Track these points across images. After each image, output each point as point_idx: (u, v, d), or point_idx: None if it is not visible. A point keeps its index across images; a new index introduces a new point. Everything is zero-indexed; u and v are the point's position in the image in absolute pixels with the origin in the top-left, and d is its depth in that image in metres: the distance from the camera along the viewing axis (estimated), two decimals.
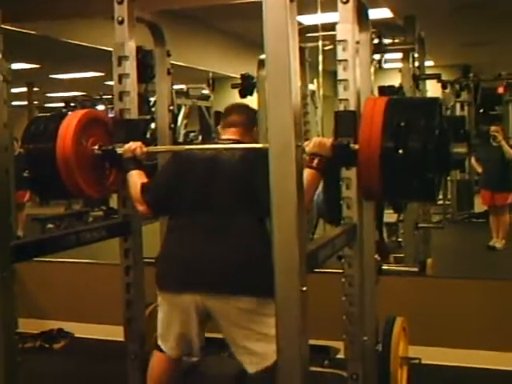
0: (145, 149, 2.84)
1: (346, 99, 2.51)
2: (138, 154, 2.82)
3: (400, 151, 2.23)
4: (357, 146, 2.34)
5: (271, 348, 2.50)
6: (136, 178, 2.81)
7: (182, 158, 2.85)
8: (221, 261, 2.63)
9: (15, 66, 6.74)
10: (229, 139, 2.83)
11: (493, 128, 7.17)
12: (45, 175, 2.77)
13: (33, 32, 5.62)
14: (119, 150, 2.84)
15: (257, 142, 2.89)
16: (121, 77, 2.93)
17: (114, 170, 2.97)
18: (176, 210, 2.79)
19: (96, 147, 2.84)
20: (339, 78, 2.54)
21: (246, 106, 3.06)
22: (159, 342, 2.80)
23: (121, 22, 2.91)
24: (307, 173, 2.34)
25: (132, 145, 2.82)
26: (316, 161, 2.44)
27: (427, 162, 2.26)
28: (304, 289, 1.86)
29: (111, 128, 2.96)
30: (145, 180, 2.81)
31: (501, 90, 8.77)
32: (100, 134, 2.90)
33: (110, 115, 8.69)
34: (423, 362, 3.14)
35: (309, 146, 2.45)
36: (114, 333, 3.55)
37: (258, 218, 2.66)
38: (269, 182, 2.30)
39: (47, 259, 3.12)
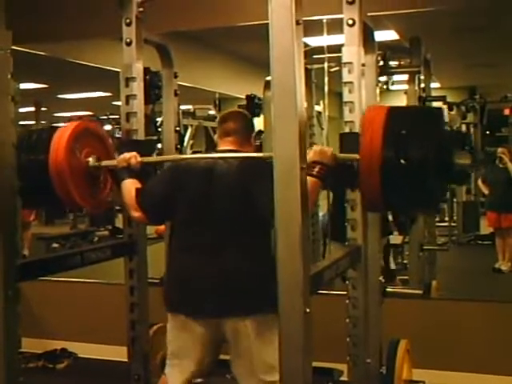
0: (139, 158, 2.80)
1: (352, 121, 2.52)
2: (132, 164, 2.78)
3: (401, 160, 2.22)
4: (358, 156, 2.32)
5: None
6: (130, 186, 2.75)
7: (179, 168, 2.79)
8: (227, 280, 2.56)
9: (23, 85, 6.79)
10: (226, 150, 2.75)
11: (499, 150, 7.18)
12: (37, 187, 2.73)
13: (41, 53, 5.68)
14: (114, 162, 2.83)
15: (256, 151, 2.87)
16: (128, 98, 2.96)
17: (108, 183, 2.95)
18: (175, 223, 2.74)
19: (90, 159, 2.81)
20: (345, 100, 2.55)
21: (242, 113, 2.97)
22: (168, 367, 2.73)
23: (129, 44, 2.94)
24: (308, 181, 2.33)
25: (126, 155, 2.79)
26: (317, 168, 2.40)
27: (429, 171, 2.24)
28: (308, 310, 1.86)
29: (118, 147, 2.98)
30: (139, 186, 2.76)
31: (507, 111, 8.78)
32: (94, 145, 2.88)
33: (117, 135, 8.73)
34: None
35: (309, 155, 2.41)
36: (118, 353, 3.54)
37: (261, 230, 2.60)
38: (270, 190, 2.34)
39: (51, 278, 3.11)
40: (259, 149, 6.24)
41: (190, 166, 2.75)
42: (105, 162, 2.85)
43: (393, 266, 5.00)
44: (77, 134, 2.78)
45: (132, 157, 2.78)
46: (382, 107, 2.45)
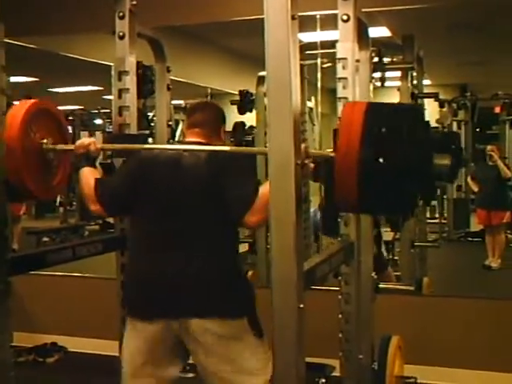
0: (99, 145, 2.69)
1: None
2: (91, 151, 2.66)
3: (379, 160, 2.11)
4: (332, 154, 2.21)
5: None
6: (89, 175, 2.62)
7: (143, 159, 2.61)
8: (186, 280, 2.42)
9: (13, 79, 6.75)
10: (194, 142, 2.60)
11: (489, 147, 7.21)
12: None
13: (32, 46, 5.64)
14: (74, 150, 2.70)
15: (226, 144, 2.75)
16: (121, 92, 2.95)
17: (61, 170, 2.83)
18: (135, 218, 2.61)
19: (45, 141, 2.69)
20: (339, 95, 2.55)
21: (212, 104, 2.84)
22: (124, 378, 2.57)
23: (122, 37, 2.93)
24: None
25: (85, 140, 2.68)
26: None
27: (407, 173, 2.15)
28: (301, 306, 1.85)
29: (110, 141, 2.95)
30: (98, 176, 2.63)
31: (497, 109, 8.81)
32: (50, 128, 2.75)
33: (109, 129, 8.69)
34: (419, 381, 3.13)
35: None
36: (108, 347, 3.53)
37: (227, 228, 2.48)
38: (241, 185, 2.33)
39: (41, 272, 3.10)
40: (249, 142, 6.27)
41: (155, 157, 2.59)
42: (60, 146, 2.74)
43: (385, 254, 5.00)
44: (33, 113, 2.63)
45: (91, 143, 2.66)
46: (361, 103, 2.37)
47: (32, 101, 2.67)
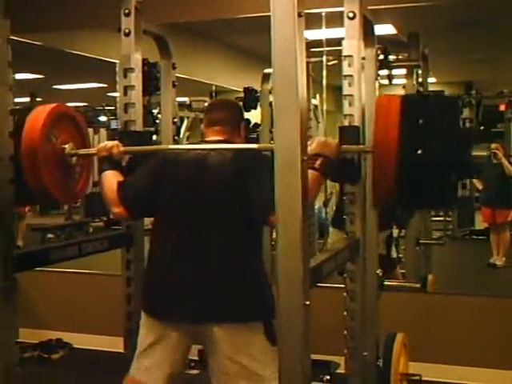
0: (122, 148, 2.66)
1: (351, 114, 2.52)
2: (114, 153, 2.63)
3: (419, 152, 2.07)
4: (367, 148, 2.20)
5: None
6: (111, 178, 2.56)
7: (166, 159, 2.57)
8: (208, 283, 2.40)
9: (18, 76, 6.77)
10: (216, 140, 2.56)
11: (493, 145, 7.19)
12: None
13: (37, 43, 5.65)
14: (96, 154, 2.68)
15: (247, 141, 2.73)
16: (126, 88, 2.94)
17: (85, 174, 2.84)
18: (158, 219, 2.55)
19: (66, 146, 2.69)
20: (344, 93, 2.55)
21: (230, 101, 2.80)
22: (134, 368, 2.57)
23: (127, 34, 2.92)
24: (309, 174, 2.08)
25: (108, 143, 2.66)
26: (319, 161, 2.26)
27: (449, 166, 2.11)
28: (307, 303, 1.86)
29: (116, 138, 2.94)
30: (121, 179, 2.58)
31: (502, 107, 8.79)
32: (71, 132, 2.75)
33: (113, 126, 8.69)
34: (424, 378, 3.13)
35: (311, 146, 2.28)
36: (114, 344, 3.54)
37: (251, 228, 2.45)
38: (267, 185, 2.30)
39: (47, 269, 3.11)
40: (254, 139, 6.28)
41: (179, 157, 2.55)
42: (83, 151, 2.74)
43: (394, 254, 5.01)
44: (54, 117, 2.62)
45: (114, 146, 2.64)
46: (396, 96, 2.34)
47: (53, 105, 2.65)
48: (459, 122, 2.19)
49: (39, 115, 2.56)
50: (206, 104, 2.82)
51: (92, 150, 2.74)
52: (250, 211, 2.35)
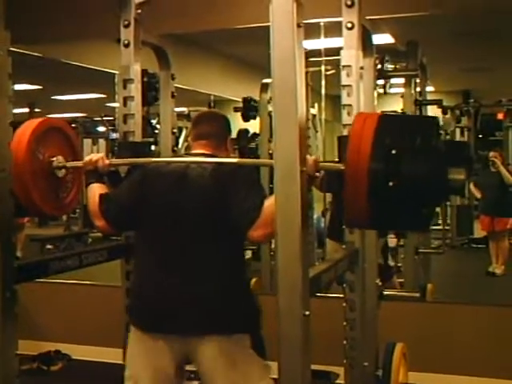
0: (107, 161, 2.66)
1: (350, 124, 2.51)
2: (99, 167, 2.64)
3: (391, 178, 2.00)
4: (342, 167, 2.12)
5: None
6: (95, 191, 2.58)
7: (147, 172, 2.55)
8: (188, 298, 2.38)
9: (17, 86, 6.79)
10: (200, 154, 2.55)
11: (491, 154, 7.21)
12: None
13: (36, 54, 5.67)
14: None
15: (232, 156, 2.70)
16: (126, 99, 2.96)
17: (75, 186, 2.82)
18: (141, 231, 2.55)
19: (55, 159, 2.68)
20: (343, 103, 2.56)
21: (218, 114, 2.78)
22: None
23: (127, 46, 2.94)
24: None
25: (93, 156, 2.66)
26: None
27: (422, 193, 2.05)
28: (307, 313, 1.86)
29: (116, 149, 2.95)
30: (104, 192, 2.59)
31: (501, 116, 8.80)
32: (60, 145, 2.73)
33: (112, 137, 8.67)
34: None
35: None
36: (113, 355, 3.54)
37: (234, 242, 2.44)
38: (245, 198, 2.28)
39: (45, 280, 3.11)
40: (253, 149, 6.28)
41: (160, 170, 2.54)
42: (70, 164, 2.73)
43: (391, 263, 5.01)
44: (40, 133, 2.60)
45: (99, 159, 2.65)
46: (373, 114, 2.30)
47: (38, 120, 2.64)
48: (435, 143, 2.11)
49: (24, 132, 2.55)
50: (193, 117, 2.77)
51: (79, 163, 2.73)
52: (230, 225, 2.34)
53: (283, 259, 1.85)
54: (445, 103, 6.93)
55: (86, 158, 2.68)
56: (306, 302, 1.86)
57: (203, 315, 2.38)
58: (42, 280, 2.79)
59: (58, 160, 2.69)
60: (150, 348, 2.46)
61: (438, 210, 7.73)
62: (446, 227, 7.94)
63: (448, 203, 8.06)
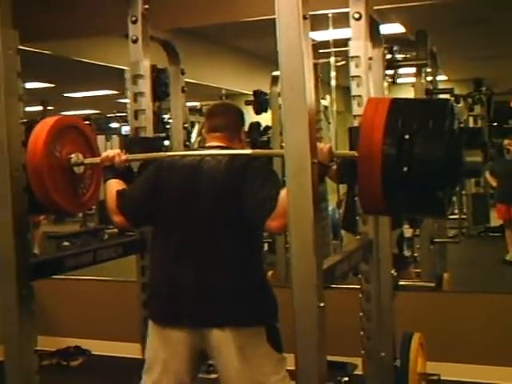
0: (123, 156, 2.66)
1: (360, 115, 2.51)
2: (116, 162, 2.64)
3: (405, 163, 2.00)
4: (356, 154, 2.13)
5: None
6: (113, 187, 2.60)
7: (162, 167, 2.56)
8: (205, 289, 2.39)
9: (30, 85, 6.81)
10: (215, 146, 2.56)
11: (506, 141, 7.17)
12: None
13: (47, 52, 5.69)
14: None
15: (246, 147, 2.72)
16: (136, 95, 2.96)
17: (93, 182, 2.83)
18: (157, 225, 2.57)
19: (72, 156, 2.67)
20: (353, 93, 2.56)
21: (231, 106, 2.77)
22: (143, 378, 2.58)
23: (135, 41, 2.94)
24: None
25: (110, 153, 2.66)
26: None
27: (437, 176, 2.04)
28: (322, 305, 1.86)
29: (127, 145, 2.96)
30: (121, 188, 2.61)
31: None
32: (77, 142, 2.73)
33: (124, 132, 8.69)
34: (442, 378, 3.12)
35: None
36: (131, 350, 3.55)
37: (249, 234, 2.44)
38: (261, 189, 2.29)
39: (63, 276, 3.13)
40: (265, 142, 6.28)
41: (175, 163, 2.55)
42: (88, 160, 2.73)
43: (407, 253, 5.00)
44: (55, 132, 2.60)
45: (116, 155, 2.65)
46: (384, 99, 2.29)
47: (54, 118, 2.64)
48: (449, 126, 2.08)
49: (41, 130, 2.55)
50: (206, 109, 2.77)
51: (96, 159, 2.73)
52: (248, 216, 2.35)
53: (297, 251, 1.86)
54: (457, 92, 6.90)
55: (103, 154, 2.69)
56: (321, 294, 1.86)
57: (220, 308, 2.39)
58: (60, 276, 2.82)
59: (76, 157, 2.69)
60: (166, 342, 2.48)
61: (453, 198, 7.74)
62: (462, 216, 7.92)
63: (463, 192, 8.05)
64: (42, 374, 2.49)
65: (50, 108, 10.30)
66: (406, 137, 2.04)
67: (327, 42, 4.73)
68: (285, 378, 2.45)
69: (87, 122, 9.24)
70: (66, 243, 7.53)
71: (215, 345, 2.40)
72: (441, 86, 5.77)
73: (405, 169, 2.01)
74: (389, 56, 4.51)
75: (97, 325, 4.90)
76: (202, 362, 2.57)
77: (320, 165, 2.12)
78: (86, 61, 6.34)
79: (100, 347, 4.82)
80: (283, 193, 2.19)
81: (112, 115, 9.59)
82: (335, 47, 4.73)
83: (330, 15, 4.58)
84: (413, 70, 5.06)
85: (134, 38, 2.95)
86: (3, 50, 2.32)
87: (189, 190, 2.45)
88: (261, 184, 2.33)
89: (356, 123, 2.54)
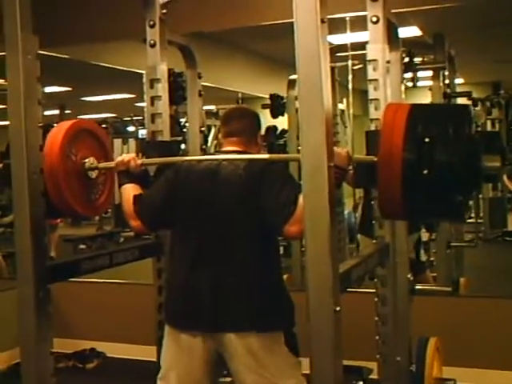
0: (139, 161, 2.67)
1: (378, 119, 2.51)
2: (131, 167, 2.65)
3: (425, 167, 2.02)
4: (375, 159, 2.15)
5: None
6: (129, 192, 2.61)
7: (180, 171, 2.56)
8: (223, 293, 2.38)
9: (48, 89, 6.87)
10: (232, 151, 2.55)
11: None
12: None
13: (65, 56, 5.73)
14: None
15: (262, 152, 2.72)
16: (153, 99, 2.98)
17: (107, 186, 2.84)
18: (175, 229, 2.57)
19: (87, 161, 2.68)
20: (370, 97, 2.55)
21: (247, 110, 2.74)
22: (158, 382, 2.58)
23: (153, 46, 2.96)
24: None
25: (125, 157, 2.67)
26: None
27: (457, 180, 2.05)
28: (338, 309, 1.85)
29: (143, 148, 2.97)
30: (138, 193, 2.62)
31: None
32: (91, 146, 2.74)
33: (140, 136, 8.71)
34: (458, 383, 3.10)
35: None
36: (147, 353, 3.55)
37: (267, 238, 2.44)
38: (279, 194, 2.29)
39: (79, 279, 3.15)
40: (281, 146, 6.28)
41: (192, 168, 2.55)
42: (102, 165, 2.74)
43: (423, 258, 4.98)
44: (71, 136, 2.61)
45: (131, 159, 2.65)
46: (404, 105, 2.30)
47: (70, 122, 2.65)
48: (469, 131, 2.11)
49: (57, 135, 2.56)
50: (223, 114, 2.77)
51: (111, 164, 2.74)
52: (265, 221, 2.35)
53: (312, 255, 1.85)
54: (475, 95, 6.86)
55: (118, 159, 2.69)
56: (337, 298, 1.86)
57: (238, 313, 2.39)
58: (76, 279, 2.83)
59: (91, 161, 2.70)
60: (183, 346, 2.48)
61: (470, 203, 7.68)
62: (479, 220, 7.86)
63: (480, 196, 7.99)
64: (57, 376, 2.50)
65: (67, 112, 10.37)
66: (426, 142, 2.05)
67: (345, 45, 4.72)
68: (302, 383, 2.44)
69: (104, 126, 9.34)
70: (82, 246, 7.58)
71: (233, 349, 2.39)
72: (458, 89, 5.74)
73: (425, 173, 2.03)
74: (406, 59, 4.50)
75: (112, 327, 4.92)
76: (222, 366, 2.55)
77: (338, 169, 2.16)
78: (104, 65, 6.38)
79: (115, 350, 4.84)
80: (301, 198, 2.18)
81: (129, 119, 9.62)
82: (352, 50, 4.72)
83: (347, 18, 4.57)
84: (430, 73, 5.03)
85: (152, 42, 2.96)
86: (23, 55, 2.33)
87: (207, 195, 2.45)
88: (279, 189, 2.32)
89: (373, 127, 2.53)
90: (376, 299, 2.68)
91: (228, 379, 2.77)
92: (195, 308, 2.43)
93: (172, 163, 2.68)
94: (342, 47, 4.70)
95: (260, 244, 2.42)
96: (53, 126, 2.63)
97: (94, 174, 2.73)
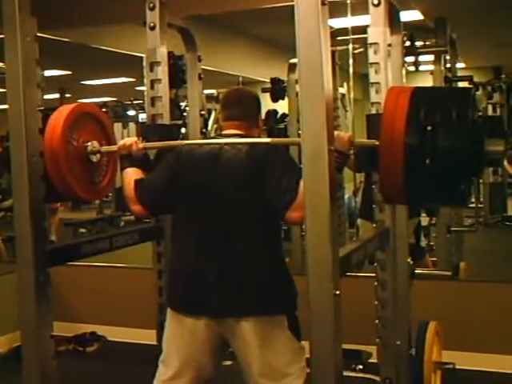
0: (141, 145, 2.66)
1: (378, 102, 2.50)
2: (133, 151, 2.64)
3: (427, 152, 2.01)
4: (377, 143, 2.14)
5: None
6: (130, 176, 2.61)
7: (181, 155, 2.54)
8: (228, 277, 2.37)
9: (48, 72, 6.84)
10: (232, 134, 2.52)
11: None
12: None
13: (64, 39, 5.70)
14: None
15: (263, 134, 2.69)
16: (153, 82, 2.96)
17: (109, 170, 2.83)
18: (177, 214, 2.55)
19: (89, 144, 2.67)
20: (371, 81, 2.53)
21: (247, 93, 2.70)
22: (160, 367, 2.57)
23: (152, 28, 2.94)
24: None
25: (127, 141, 2.66)
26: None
27: (459, 164, 2.04)
28: (337, 292, 1.85)
29: (143, 132, 2.95)
30: (140, 177, 2.61)
31: None
32: (93, 130, 2.73)
33: (141, 120, 8.69)
34: (457, 366, 3.11)
35: None
36: (147, 336, 3.57)
37: (270, 223, 2.43)
38: (281, 179, 2.29)
39: (79, 263, 3.15)
40: (282, 130, 6.26)
41: (194, 152, 2.52)
42: (104, 148, 2.73)
43: (423, 243, 4.98)
44: (72, 120, 2.59)
45: (133, 143, 2.64)
46: (406, 88, 2.29)
47: (71, 106, 2.63)
48: (472, 114, 2.08)
49: (58, 118, 2.54)
50: (222, 96, 2.75)
51: (113, 148, 2.73)
52: (267, 205, 2.34)
53: (312, 239, 1.85)
54: (477, 79, 6.83)
55: (120, 143, 2.68)
56: (336, 282, 1.86)
57: (242, 297, 2.38)
58: (77, 263, 2.83)
59: (93, 145, 2.69)
60: (186, 330, 2.47)
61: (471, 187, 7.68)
62: (479, 205, 7.86)
63: (481, 181, 7.98)
64: (58, 359, 2.51)
65: (67, 95, 10.34)
66: (429, 126, 2.04)
67: (345, 28, 4.69)
68: (304, 368, 2.44)
69: (104, 110, 9.30)
70: (82, 230, 7.58)
71: (237, 334, 2.39)
72: (459, 74, 5.71)
73: (427, 158, 2.02)
74: (408, 43, 4.47)
75: (113, 311, 4.94)
76: (225, 350, 2.55)
77: (340, 153, 2.17)
78: (104, 48, 6.35)
79: (116, 333, 4.85)
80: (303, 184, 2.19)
81: (129, 103, 9.59)
82: (353, 34, 4.69)
83: (348, 1, 4.54)
84: (431, 57, 5.01)
85: (152, 24, 2.94)
86: (21, 37, 2.32)
87: (209, 179, 2.44)
88: (281, 174, 2.31)
89: (374, 110, 2.52)
90: (376, 283, 2.68)
91: (229, 362, 2.78)
92: (200, 293, 2.41)
93: (173, 147, 2.66)
94: (343, 31, 4.67)
95: (262, 228, 2.42)
96: (54, 110, 2.60)
97: (95, 158, 2.72)
